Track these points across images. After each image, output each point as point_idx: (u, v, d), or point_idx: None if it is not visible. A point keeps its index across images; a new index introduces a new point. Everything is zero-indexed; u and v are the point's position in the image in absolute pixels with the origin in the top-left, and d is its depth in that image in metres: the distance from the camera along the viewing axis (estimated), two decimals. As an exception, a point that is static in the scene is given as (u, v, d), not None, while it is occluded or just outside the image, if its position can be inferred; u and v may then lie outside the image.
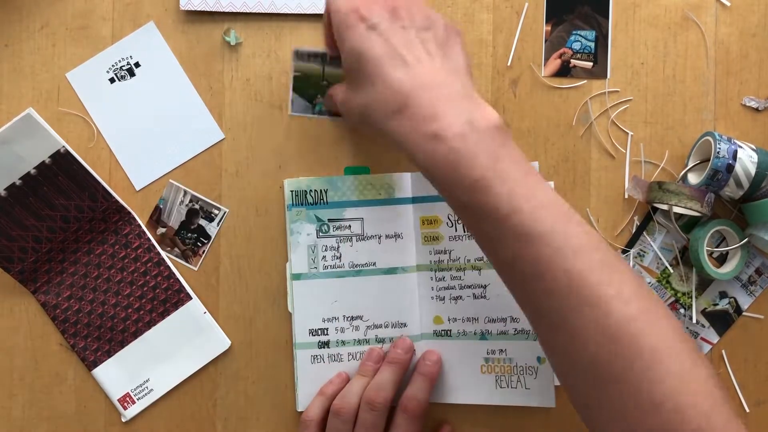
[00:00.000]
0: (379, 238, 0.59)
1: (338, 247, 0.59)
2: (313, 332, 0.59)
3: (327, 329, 0.59)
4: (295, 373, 0.59)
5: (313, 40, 0.61)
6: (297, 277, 0.59)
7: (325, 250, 0.59)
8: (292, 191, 0.59)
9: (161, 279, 0.60)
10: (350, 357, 0.59)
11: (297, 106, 0.58)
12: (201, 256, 0.61)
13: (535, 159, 0.61)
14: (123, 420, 0.60)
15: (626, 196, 0.61)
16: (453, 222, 0.59)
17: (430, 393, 0.56)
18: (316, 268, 0.59)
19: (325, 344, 0.59)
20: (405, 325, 0.59)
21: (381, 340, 0.59)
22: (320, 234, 0.59)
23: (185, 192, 0.61)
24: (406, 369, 0.57)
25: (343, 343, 0.59)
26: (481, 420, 0.60)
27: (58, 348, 0.60)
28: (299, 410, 0.58)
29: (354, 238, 0.59)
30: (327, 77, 0.58)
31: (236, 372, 0.61)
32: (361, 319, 0.59)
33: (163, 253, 0.61)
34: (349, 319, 0.59)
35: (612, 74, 0.61)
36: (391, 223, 0.59)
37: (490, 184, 0.41)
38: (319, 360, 0.59)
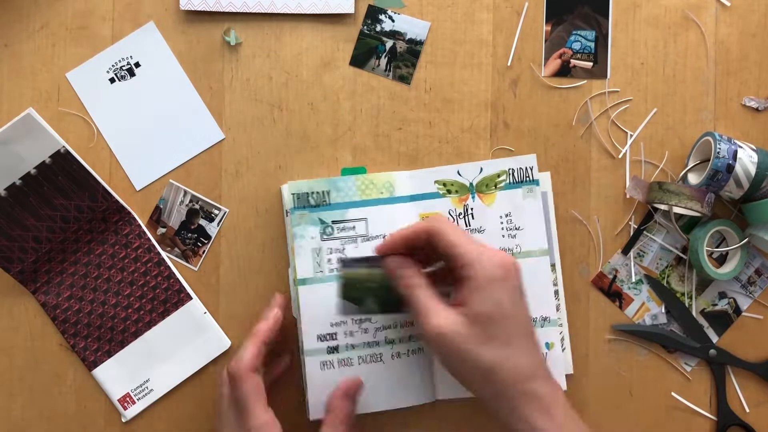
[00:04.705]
0: (383, 237, 0.59)
1: (343, 249, 0.58)
2: (322, 338, 0.57)
3: (335, 334, 0.58)
4: (305, 381, 0.57)
5: (313, 42, 0.61)
6: (302, 282, 0.57)
7: (330, 252, 0.58)
8: (293, 194, 0.58)
9: (161, 279, 0.60)
10: (360, 361, 0.58)
11: (347, 309, 0.54)
12: (201, 256, 0.61)
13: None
14: (123, 420, 0.60)
15: (627, 196, 0.61)
16: (453, 218, 0.59)
17: (258, 351, 0.53)
18: (321, 271, 0.58)
19: (334, 349, 0.57)
20: (412, 324, 0.59)
21: (391, 341, 0.59)
22: (324, 237, 0.58)
23: (185, 192, 0.61)
24: (271, 333, 0.55)
25: (353, 347, 0.58)
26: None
27: (58, 348, 0.60)
28: (311, 418, 0.57)
29: (359, 239, 0.58)
30: (371, 279, 0.53)
31: (236, 372, 0.61)
32: (370, 321, 0.58)
33: (163, 253, 0.61)
34: (357, 322, 0.58)
35: (612, 74, 0.61)
36: (393, 222, 0.59)
37: None
38: (329, 366, 0.57)
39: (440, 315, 0.49)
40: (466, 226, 0.59)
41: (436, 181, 0.59)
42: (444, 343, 0.48)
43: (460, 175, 0.59)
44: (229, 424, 0.52)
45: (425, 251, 0.53)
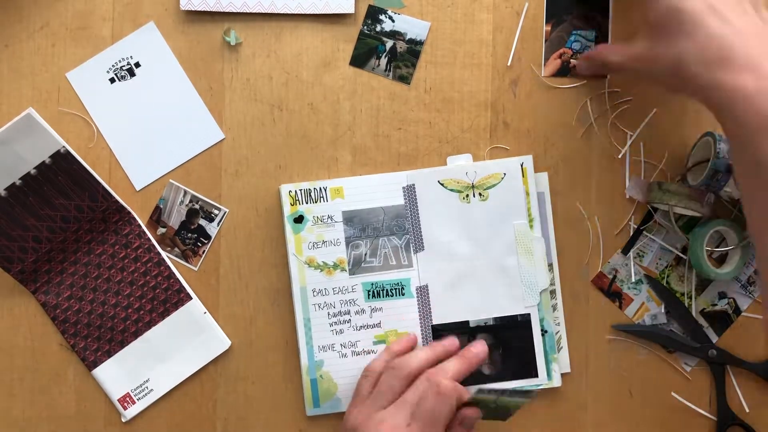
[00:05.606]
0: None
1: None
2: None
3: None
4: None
5: (313, 42, 0.61)
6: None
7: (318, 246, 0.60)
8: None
9: (161, 279, 0.60)
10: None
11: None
12: (201, 256, 0.61)
13: (535, 159, 0.61)
14: (123, 420, 0.60)
15: (626, 196, 0.61)
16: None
17: (463, 375, 0.55)
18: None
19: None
20: None
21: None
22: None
23: (185, 192, 0.61)
24: (473, 368, 0.56)
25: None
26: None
27: (58, 348, 0.60)
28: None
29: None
30: (499, 404, 0.54)
31: (236, 372, 0.61)
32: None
33: (163, 253, 0.61)
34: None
35: (612, 74, 0.61)
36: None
37: None
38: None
39: (616, 48, 0.53)
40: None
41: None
42: (644, 67, 0.51)
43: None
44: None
45: None
